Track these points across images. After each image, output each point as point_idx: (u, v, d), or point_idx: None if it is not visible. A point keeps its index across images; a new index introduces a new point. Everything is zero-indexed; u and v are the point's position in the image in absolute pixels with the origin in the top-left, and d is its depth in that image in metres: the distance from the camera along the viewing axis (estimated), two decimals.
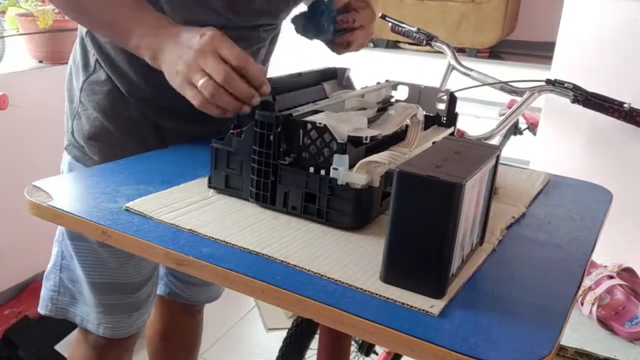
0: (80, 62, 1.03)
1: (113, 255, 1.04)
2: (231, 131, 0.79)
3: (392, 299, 0.58)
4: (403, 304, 0.58)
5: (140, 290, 1.10)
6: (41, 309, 1.12)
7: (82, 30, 1.03)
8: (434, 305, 0.57)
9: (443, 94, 0.93)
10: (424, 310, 0.57)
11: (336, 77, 0.99)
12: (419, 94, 0.95)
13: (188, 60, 0.78)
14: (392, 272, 0.60)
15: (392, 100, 0.98)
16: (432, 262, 0.58)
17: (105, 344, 1.12)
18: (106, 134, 1.01)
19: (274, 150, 0.74)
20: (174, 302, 1.33)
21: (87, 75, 1.02)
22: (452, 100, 0.92)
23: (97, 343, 1.12)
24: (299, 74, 0.91)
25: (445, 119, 0.93)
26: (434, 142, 0.79)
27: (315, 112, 0.80)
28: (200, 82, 0.77)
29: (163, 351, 1.41)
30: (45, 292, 1.12)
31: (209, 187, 0.81)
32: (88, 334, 1.12)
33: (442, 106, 0.93)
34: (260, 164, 0.75)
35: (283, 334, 1.53)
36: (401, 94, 0.98)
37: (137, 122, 1.01)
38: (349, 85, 1.00)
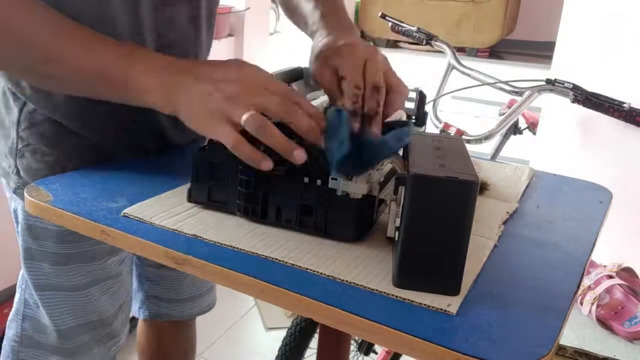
0: (7, 90, 0.87)
1: (87, 295, 0.95)
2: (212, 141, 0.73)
3: (408, 300, 0.58)
4: (420, 304, 0.58)
5: (116, 319, 1.02)
6: None
7: None
8: (450, 304, 0.57)
9: (412, 91, 0.88)
10: (441, 309, 0.57)
11: (303, 77, 0.94)
12: None
13: (230, 93, 0.65)
14: (406, 276, 0.60)
15: None
16: (449, 261, 0.59)
17: None
18: (61, 167, 0.87)
19: None
20: (161, 322, 1.23)
21: (21, 104, 0.86)
22: (421, 99, 0.88)
23: None
24: (271, 75, 0.87)
25: (415, 118, 0.90)
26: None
27: None
28: (245, 116, 0.63)
29: None
30: (7, 342, 0.99)
31: (189, 201, 0.75)
32: None
33: (410, 105, 0.89)
34: (250, 175, 0.70)
35: (282, 333, 1.53)
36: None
37: (90, 146, 0.88)
38: (316, 86, 0.94)
